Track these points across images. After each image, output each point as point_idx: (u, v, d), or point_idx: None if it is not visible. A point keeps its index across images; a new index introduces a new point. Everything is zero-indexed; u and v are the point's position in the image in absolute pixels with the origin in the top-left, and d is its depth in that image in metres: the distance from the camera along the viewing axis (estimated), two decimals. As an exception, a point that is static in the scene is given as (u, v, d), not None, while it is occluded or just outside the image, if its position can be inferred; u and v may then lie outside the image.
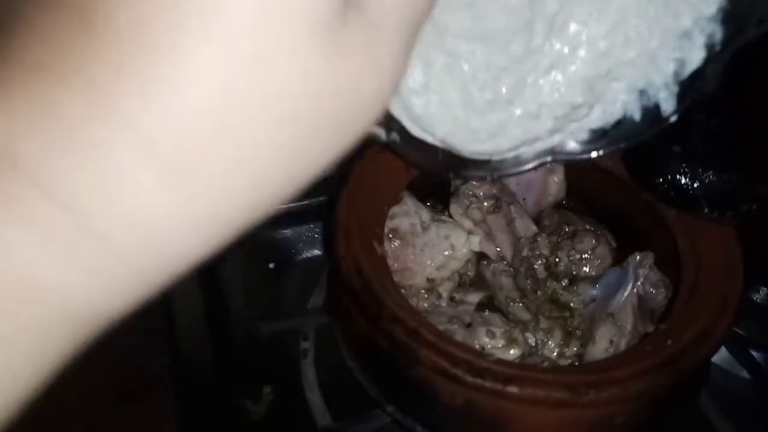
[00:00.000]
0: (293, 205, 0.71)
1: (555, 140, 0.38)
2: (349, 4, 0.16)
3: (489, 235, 0.57)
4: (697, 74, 0.36)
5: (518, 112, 0.36)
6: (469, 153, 0.38)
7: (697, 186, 0.47)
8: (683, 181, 0.48)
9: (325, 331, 0.57)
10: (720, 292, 0.45)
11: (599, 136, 0.39)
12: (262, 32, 0.15)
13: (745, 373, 0.60)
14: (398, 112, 0.37)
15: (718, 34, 0.34)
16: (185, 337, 0.61)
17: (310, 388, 0.55)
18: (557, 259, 0.55)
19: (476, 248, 0.56)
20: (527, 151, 0.38)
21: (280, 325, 0.59)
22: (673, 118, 0.37)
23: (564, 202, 0.61)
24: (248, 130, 0.16)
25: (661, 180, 0.48)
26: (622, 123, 0.38)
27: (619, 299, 0.51)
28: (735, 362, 0.59)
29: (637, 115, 0.37)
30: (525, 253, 0.56)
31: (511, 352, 0.48)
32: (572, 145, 0.38)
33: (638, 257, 0.52)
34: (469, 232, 0.56)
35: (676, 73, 0.36)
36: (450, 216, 0.58)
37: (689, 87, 0.37)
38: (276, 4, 0.15)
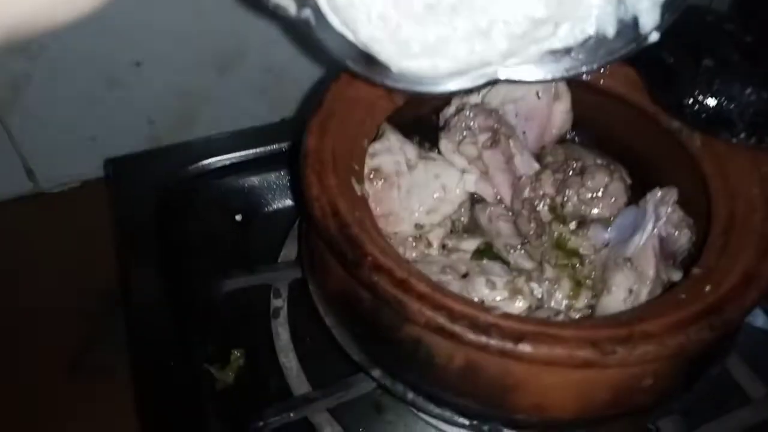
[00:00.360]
0: (260, 150, 0.63)
1: (508, 65, 0.31)
2: None
3: (485, 174, 0.50)
4: None
5: (463, 26, 0.29)
6: (396, 69, 0.31)
7: (734, 106, 0.40)
8: (716, 101, 0.40)
9: (300, 286, 0.49)
10: (760, 230, 0.38)
11: (560, 56, 0.31)
12: None
13: (766, 324, 0.54)
14: None
15: None
16: (141, 298, 0.54)
17: (283, 352, 0.48)
18: (564, 199, 0.48)
19: (471, 189, 0.48)
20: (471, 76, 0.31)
21: (248, 281, 0.52)
22: (654, 36, 0.31)
23: (570, 135, 0.53)
24: None
25: (690, 101, 0.41)
26: (589, 39, 0.31)
27: (637, 242, 0.44)
28: (759, 312, 0.53)
29: (610, 31, 0.31)
30: (526, 193, 0.49)
31: (517, 304, 0.41)
32: (525, 69, 0.32)
33: (659, 194, 0.45)
34: (463, 171, 0.49)
35: None
36: (440, 153, 0.50)
37: (675, 3, 0.30)
38: None
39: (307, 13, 0.31)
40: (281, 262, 0.53)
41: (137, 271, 0.54)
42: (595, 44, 0.31)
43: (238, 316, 0.53)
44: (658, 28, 0.31)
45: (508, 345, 0.32)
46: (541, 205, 0.49)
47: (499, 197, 0.50)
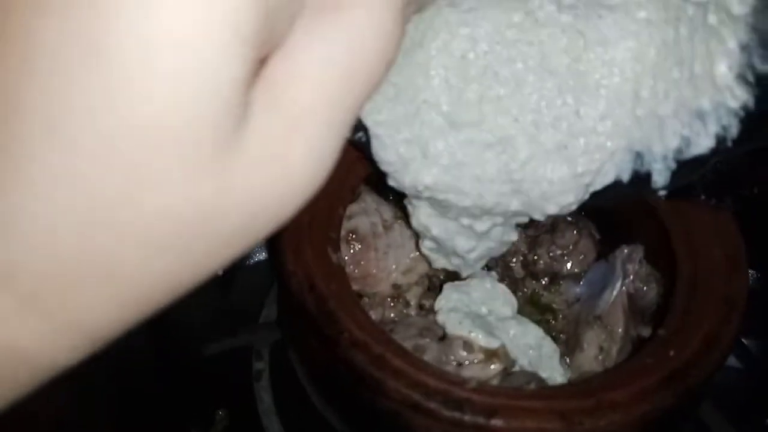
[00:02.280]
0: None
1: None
2: (254, 99, 0.15)
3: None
4: (699, 161, 0.33)
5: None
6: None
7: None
8: (675, 164, 0.42)
9: (282, 348, 0.50)
10: (723, 289, 0.39)
11: None
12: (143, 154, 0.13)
13: (735, 362, 0.56)
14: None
15: (733, 131, 0.31)
16: (124, 362, 0.54)
17: (266, 415, 0.49)
18: (536, 257, 0.49)
19: (446, 248, 0.50)
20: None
21: (229, 344, 0.52)
22: (662, 193, 0.36)
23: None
24: (121, 257, 0.14)
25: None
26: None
27: (607, 299, 0.46)
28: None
29: (625, 177, 0.36)
30: (500, 250, 0.50)
31: (492, 367, 0.42)
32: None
33: (626, 251, 0.46)
34: (438, 231, 0.50)
35: (679, 150, 0.34)
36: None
37: (686, 170, 0.34)
38: (162, 128, 0.13)
39: (360, 135, 0.36)
40: (262, 322, 0.54)
41: (122, 336, 0.55)
42: (611, 185, 0.36)
43: (221, 378, 0.54)
44: (666, 188, 0.35)
45: (481, 420, 0.33)
46: (514, 262, 0.50)
47: (474, 254, 0.52)
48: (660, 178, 0.34)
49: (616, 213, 0.50)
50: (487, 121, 0.37)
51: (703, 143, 0.32)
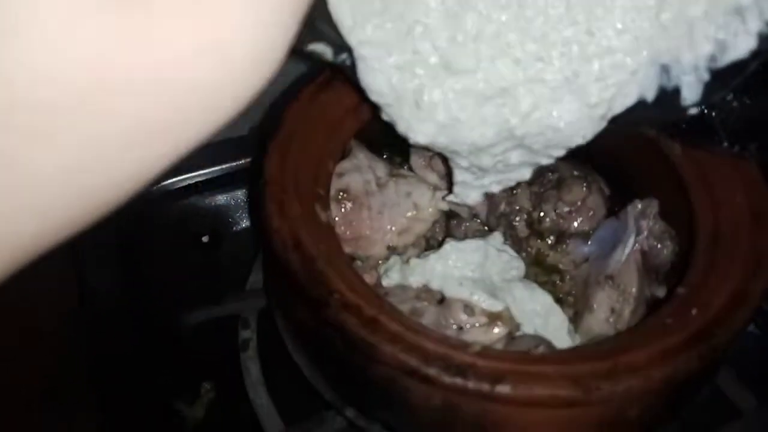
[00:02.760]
0: (226, 166, 0.60)
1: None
2: None
3: (458, 190, 0.47)
4: (737, 68, 0.29)
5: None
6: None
7: (715, 114, 0.38)
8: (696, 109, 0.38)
9: (270, 316, 0.47)
10: (748, 242, 0.36)
11: None
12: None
13: (752, 328, 0.53)
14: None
15: None
16: (103, 329, 0.51)
17: (253, 387, 0.46)
18: (541, 214, 0.46)
19: (444, 207, 0.46)
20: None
21: (214, 313, 0.49)
22: (693, 111, 0.31)
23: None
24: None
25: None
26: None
27: (618, 257, 0.42)
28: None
29: (650, 95, 0.30)
30: (502, 208, 0.47)
31: (495, 330, 0.38)
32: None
33: (639, 206, 0.43)
34: (435, 188, 0.46)
35: (712, 57, 0.29)
36: (411, 169, 0.48)
37: (723, 80, 0.29)
38: None
39: (344, 56, 0.31)
40: (249, 289, 0.50)
41: (99, 302, 0.52)
42: (633, 107, 0.30)
43: (206, 348, 0.51)
44: (698, 104, 0.30)
45: (486, 387, 0.30)
46: (517, 221, 0.46)
47: (474, 213, 0.48)
48: (690, 92, 0.30)
49: (627, 165, 0.46)
50: (485, 68, 0.32)
51: (741, 45, 0.27)
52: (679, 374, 0.31)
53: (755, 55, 0.27)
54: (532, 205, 0.46)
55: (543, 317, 0.37)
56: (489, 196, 0.48)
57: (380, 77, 0.30)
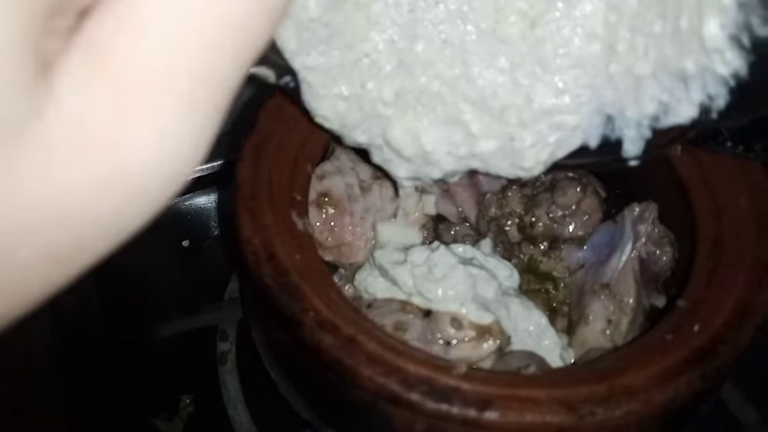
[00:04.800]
0: (206, 166, 0.58)
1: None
2: (63, 69, 0.11)
3: (446, 192, 0.45)
4: (677, 131, 0.29)
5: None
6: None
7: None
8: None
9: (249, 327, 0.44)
10: (754, 250, 0.34)
11: None
12: None
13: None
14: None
15: (720, 101, 0.26)
16: (76, 340, 0.49)
17: (232, 403, 0.43)
18: (533, 219, 0.43)
19: (431, 211, 0.44)
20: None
21: (190, 323, 0.47)
22: (633, 163, 0.31)
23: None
24: None
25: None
26: None
27: (615, 265, 0.40)
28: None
29: (593, 143, 0.31)
30: (492, 212, 0.44)
31: (485, 345, 0.36)
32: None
33: (637, 210, 0.40)
34: (422, 191, 0.44)
35: (655, 117, 0.29)
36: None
37: (662, 140, 0.30)
38: None
39: (287, 79, 0.30)
40: (228, 298, 0.48)
41: (72, 311, 0.49)
42: (576, 151, 0.31)
43: (184, 360, 0.49)
44: (638, 158, 0.30)
45: (472, 413, 0.28)
46: (509, 225, 0.44)
47: (463, 216, 0.46)
48: (632, 146, 0.30)
49: (623, 167, 0.44)
50: (434, 103, 0.32)
51: (683, 112, 0.27)
52: (680, 397, 0.28)
53: (694, 123, 0.27)
54: (524, 208, 0.44)
55: (535, 338, 0.35)
56: (479, 199, 0.46)
57: (326, 103, 0.30)
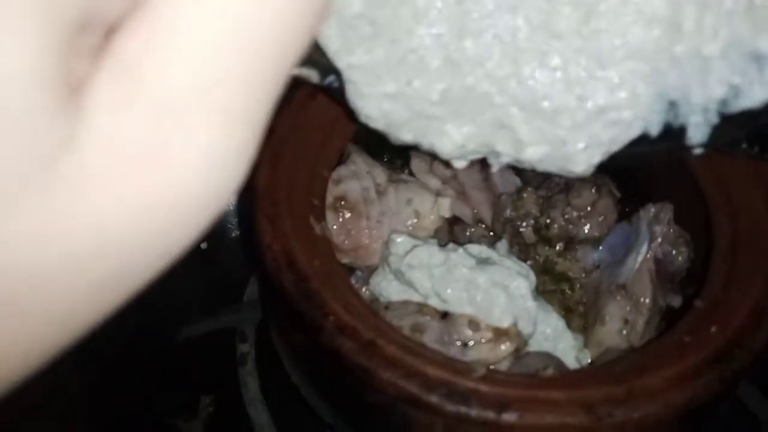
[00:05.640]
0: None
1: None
2: (93, 91, 0.10)
3: (462, 195, 0.45)
4: (749, 116, 0.27)
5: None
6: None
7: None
8: (712, 107, 0.36)
9: (268, 328, 0.45)
10: (770, 252, 0.34)
11: None
12: None
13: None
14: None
15: None
16: (96, 343, 0.49)
17: (252, 403, 0.44)
18: (549, 220, 0.44)
19: (446, 213, 0.44)
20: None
21: (210, 325, 0.47)
22: (698, 151, 0.29)
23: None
24: None
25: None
26: None
27: (631, 265, 0.40)
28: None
29: (654, 131, 0.28)
30: (508, 213, 0.45)
31: (502, 347, 0.37)
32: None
33: (653, 210, 0.40)
34: (437, 194, 0.44)
35: (723, 102, 0.27)
36: (411, 174, 0.46)
37: (731, 127, 0.28)
38: None
39: (331, 79, 0.29)
40: (247, 300, 0.49)
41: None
42: (635, 140, 0.28)
43: (204, 361, 0.49)
44: (704, 145, 0.28)
45: (491, 415, 0.28)
46: (524, 226, 0.44)
47: (479, 218, 0.46)
48: (697, 133, 0.28)
49: (639, 167, 0.44)
50: (482, 105, 0.30)
51: (756, 94, 0.26)
52: (698, 398, 0.29)
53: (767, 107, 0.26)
54: (540, 210, 0.44)
55: (552, 341, 0.35)
56: (494, 201, 0.46)
57: (371, 102, 0.29)
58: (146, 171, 0.11)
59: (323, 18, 0.11)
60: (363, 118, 0.30)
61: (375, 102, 0.29)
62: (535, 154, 0.29)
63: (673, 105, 0.28)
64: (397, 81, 0.29)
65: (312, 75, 0.30)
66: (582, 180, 0.44)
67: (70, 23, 0.10)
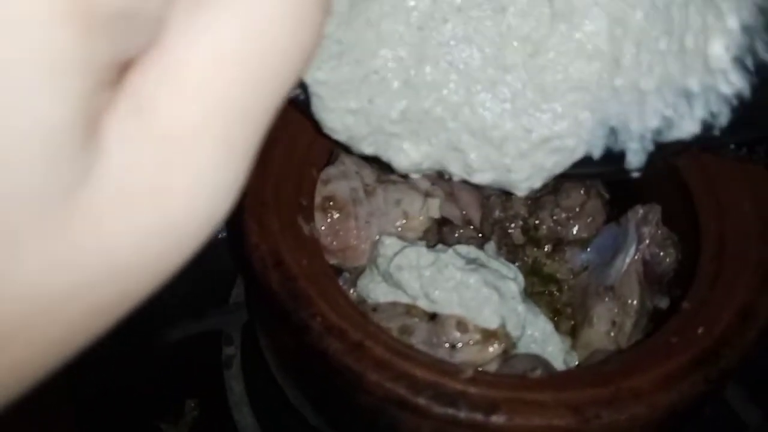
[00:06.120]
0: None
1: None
2: (109, 123, 0.11)
3: (451, 195, 0.45)
4: (680, 146, 0.30)
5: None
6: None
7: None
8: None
9: (255, 331, 0.45)
10: (757, 253, 0.34)
11: None
12: None
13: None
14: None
15: (723, 119, 0.28)
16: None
17: (237, 406, 0.44)
18: (537, 221, 0.44)
19: (435, 214, 0.44)
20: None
21: (195, 327, 0.47)
22: (635, 175, 0.32)
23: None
24: None
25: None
26: None
27: (619, 267, 0.40)
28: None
29: (596, 153, 0.31)
30: (497, 214, 0.45)
31: (490, 349, 0.36)
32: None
33: (641, 212, 0.40)
34: (426, 194, 0.44)
35: (658, 132, 0.30)
36: (400, 175, 0.46)
37: (665, 154, 0.31)
38: None
39: (298, 92, 0.31)
40: (233, 302, 0.48)
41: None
42: (579, 161, 0.31)
43: (190, 364, 0.49)
44: (640, 170, 0.31)
45: (479, 417, 0.28)
46: (513, 227, 0.44)
47: (467, 219, 0.46)
48: (635, 158, 0.31)
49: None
50: (436, 128, 0.32)
51: (686, 128, 0.29)
52: (684, 399, 0.29)
53: (696, 139, 0.29)
54: (528, 211, 0.44)
55: (540, 345, 0.35)
56: (483, 202, 0.46)
57: (334, 116, 0.31)
58: (153, 200, 0.11)
59: (317, 46, 0.12)
60: (327, 130, 0.32)
61: (338, 116, 0.31)
62: (482, 179, 0.32)
63: (613, 131, 0.31)
64: (360, 98, 0.31)
65: None
66: (571, 182, 0.44)
67: (105, 67, 0.10)
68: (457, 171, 0.32)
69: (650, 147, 0.30)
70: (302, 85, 0.30)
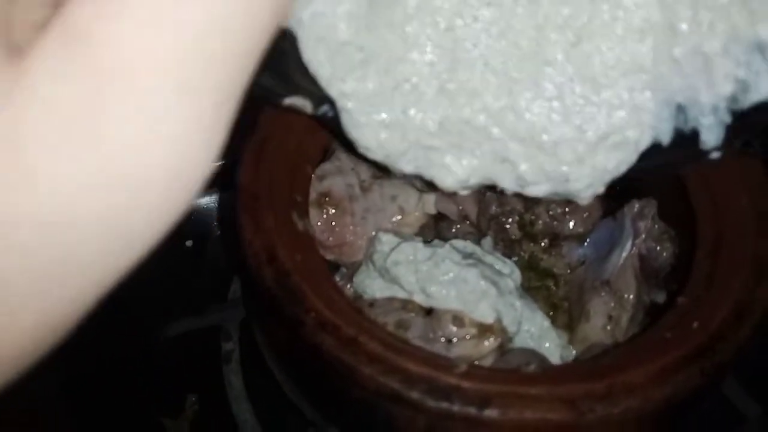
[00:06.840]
0: (213, 164, 0.58)
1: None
2: (39, 58, 0.10)
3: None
4: (764, 109, 0.26)
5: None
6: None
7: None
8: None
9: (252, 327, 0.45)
10: (753, 248, 0.34)
11: None
12: None
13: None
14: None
15: None
16: (80, 341, 0.49)
17: (236, 401, 0.44)
18: (533, 216, 0.44)
19: (431, 210, 0.44)
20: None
21: (194, 323, 0.47)
22: (715, 155, 0.27)
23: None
24: None
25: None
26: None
27: (615, 261, 0.40)
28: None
29: (665, 139, 0.27)
30: (493, 210, 0.45)
31: (486, 343, 0.36)
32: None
33: (637, 206, 0.40)
34: (422, 190, 0.44)
35: (733, 98, 0.26)
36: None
37: (746, 123, 0.27)
38: None
39: (325, 108, 0.28)
40: (231, 298, 0.48)
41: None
42: (647, 152, 0.27)
43: (190, 360, 0.49)
44: (720, 148, 0.27)
45: (473, 411, 0.28)
46: (509, 223, 0.44)
47: (464, 214, 0.46)
48: (711, 136, 0.27)
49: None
50: (480, 138, 0.29)
51: (765, 87, 0.25)
52: (679, 393, 0.29)
53: None
54: (525, 206, 0.44)
55: (536, 340, 0.35)
56: (479, 198, 0.46)
57: (368, 132, 0.28)
58: (94, 140, 0.10)
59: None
60: (362, 150, 0.29)
61: (371, 132, 0.28)
62: (538, 191, 0.28)
63: (681, 109, 0.27)
64: (393, 110, 0.28)
65: (306, 105, 0.29)
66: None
67: None
68: (508, 185, 0.29)
69: (727, 119, 0.26)
70: (329, 101, 0.28)
